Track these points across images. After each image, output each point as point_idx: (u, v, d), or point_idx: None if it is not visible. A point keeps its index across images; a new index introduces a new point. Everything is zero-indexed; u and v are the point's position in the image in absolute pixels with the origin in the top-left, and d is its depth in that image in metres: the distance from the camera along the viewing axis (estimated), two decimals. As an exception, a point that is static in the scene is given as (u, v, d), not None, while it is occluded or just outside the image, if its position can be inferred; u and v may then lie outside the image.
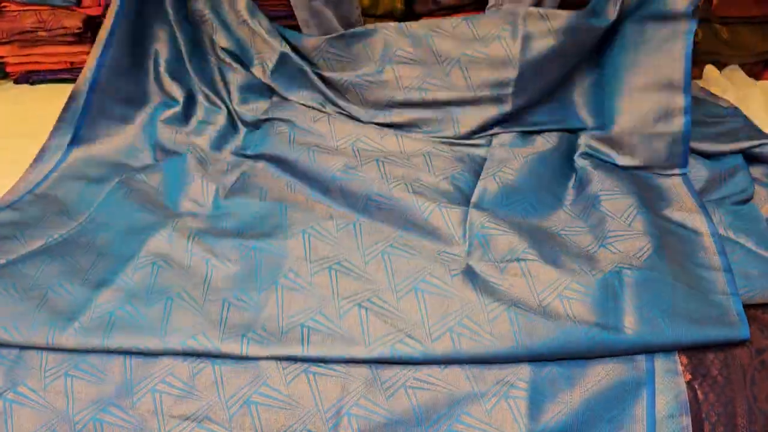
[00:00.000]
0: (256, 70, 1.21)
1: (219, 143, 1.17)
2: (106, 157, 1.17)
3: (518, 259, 0.87)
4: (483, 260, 0.89)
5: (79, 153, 1.17)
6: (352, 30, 1.16)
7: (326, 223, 0.95)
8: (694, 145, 1.10)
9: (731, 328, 0.80)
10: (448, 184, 1.02)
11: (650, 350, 0.79)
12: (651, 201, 1.01)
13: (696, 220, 0.96)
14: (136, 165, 1.15)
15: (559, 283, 0.83)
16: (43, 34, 1.45)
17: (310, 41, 1.17)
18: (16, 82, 1.55)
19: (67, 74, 1.53)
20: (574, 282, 0.83)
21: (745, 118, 1.20)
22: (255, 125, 1.20)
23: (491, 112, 1.10)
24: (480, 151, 1.10)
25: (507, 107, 1.10)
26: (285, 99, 1.19)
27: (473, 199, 0.98)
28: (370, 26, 1.15)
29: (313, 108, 1.16)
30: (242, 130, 1.20)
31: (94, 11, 1.44)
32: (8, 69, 1.53)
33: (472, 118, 1.11)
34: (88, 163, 1.15)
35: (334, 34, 1.16)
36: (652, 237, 0.91)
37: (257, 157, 1.12)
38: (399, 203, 0.98)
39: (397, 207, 0.98)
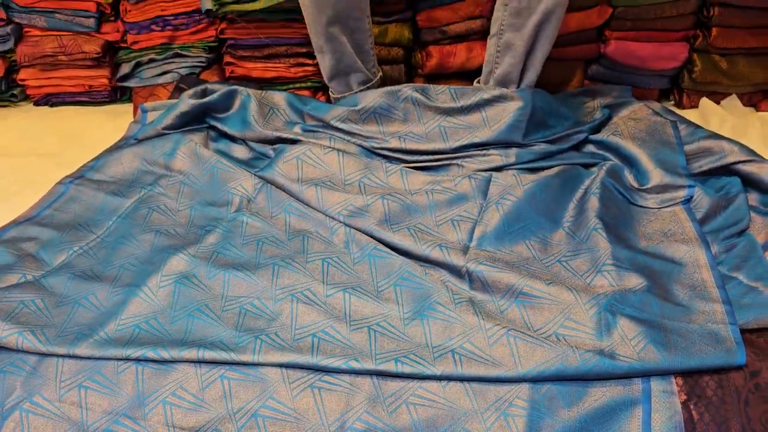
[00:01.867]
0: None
1: (241, 158, 1.24)
2: (125, 170, 1.22)
3: (516, 299, 0.91)
4: (484, 296, 0.93)
5: (96, 173, 1.22)
6: (372, 109, 1.22)
7: (344, 256, 1.01)
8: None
9: (728, 354, 0.82)
10: (449, 227, 1.05)
11: (647, 375, 0.81)
12: (652, 232, 1.05)
13: (696, 252, 0.99)
14: (156, 172, 1.21)
15: (556, 320, 0.87)
16: (63, 58, 1.50)
17: (331, 113, 1.24)
18: (36, 104, 1.60)
19: (86, 97, 1.58)
20: (571, 318, 0.87)
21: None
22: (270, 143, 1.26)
23: (496, 161, 1.16)
24: (483, 176, 1.13)
25: (511, 159, 1.16)
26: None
27: (472, 243, 1.01)
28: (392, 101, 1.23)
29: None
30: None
31: (113, 37, 1.50)
32: (29, 91, 1.59)
33: (477, 165, 1.17)
34: (108, 175, 1.21)
35: (354, 109, 1.23)
36: (649, 269, 0.95)
37: (271, 181, 1.16)
38: (403, 246, 1.01)
39: (402, 248, 1.01)
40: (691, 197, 1.10)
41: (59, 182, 1.20)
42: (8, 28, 1.49)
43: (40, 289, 0.95)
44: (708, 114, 1.41)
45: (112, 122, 1.49)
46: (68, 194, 1.17)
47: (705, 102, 1.44)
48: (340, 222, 1.06)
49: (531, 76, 1.22)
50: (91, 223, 1.10)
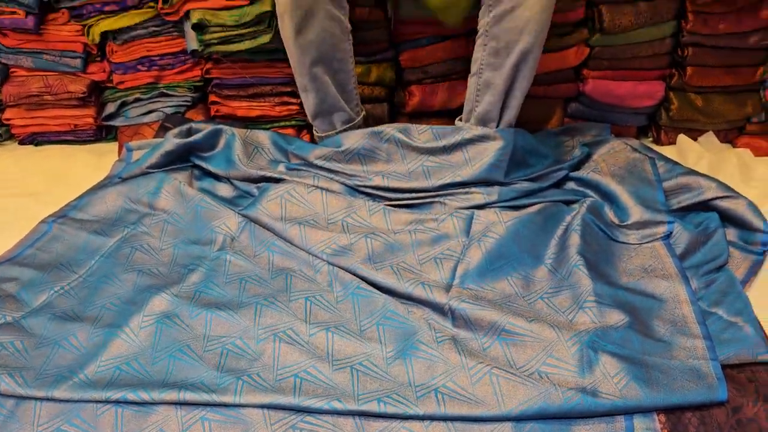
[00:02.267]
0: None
1: (225, 196, 1.25)
2: (109, 209, 1.23)
3: (499, 336, 0.91)
4: (467, 334, 0.93)
5: (79, 212, 1.22)
6: (356, 150, 1.24)
7: (327, 294, 1.01)
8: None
9: (710, 390, 0.83)
10: (432, 265, 1.06)
11: (629, 412, 0.81)
12: (632, 268, 1.06)
13: (676, 288, 1.01)
14: (140, 211, 1.21)
15: (539, 358, 0.87)
16: (49, 98, 1.51)
17: (314, 153, 1.26)
18: (21, 142, 1.61)
19: (71, 136, 1.59)
20: (553, 355, 0.87)
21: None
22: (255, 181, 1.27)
23: (478, 199, 1.18)
24: (466, 214, 1.14)
25: (493, 197, 1.17)
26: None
27: (455, 281, 1.02)
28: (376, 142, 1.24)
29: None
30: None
31: (99, 76, 1.51)
32: (14, 131, 1.59)
33: (459, 203, 1.18)
34: (92, 214, 1.22)
35: (338, 150, 1.24)
36: (630, 305, 0.96)
37: (254, 219, 1.16)
38: (387, 284, 1.01)
39: (385, 286, 1.02)
40: (671, 233, 1.12)
41: (42, 221, 1.20)
42: (-6, 69, 1.51)
43: (19, 330, 0.94)
44: (685, 150, 1.44)
45: (96, 161, 1.50)
46: (51, 233, 1.17)
47: (682, 138, 1.47)
48: (324, 260, 1.07)
49: (511, 113, 1.24)
50: (73, 262, 1.10)
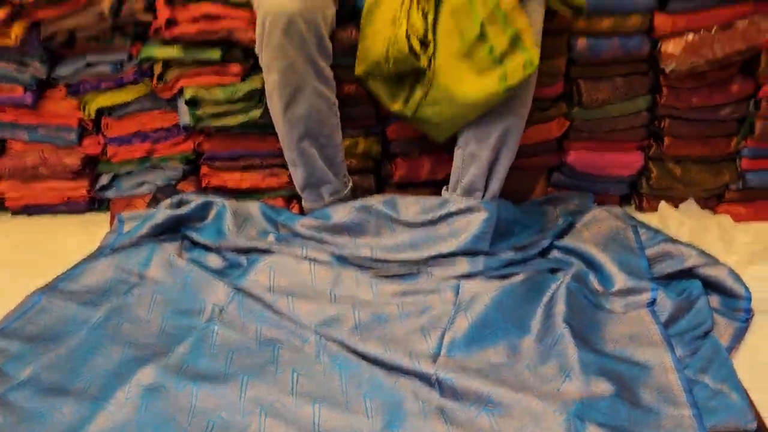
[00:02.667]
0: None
1: (214, 267, 1.26)
2: (99, 280, 1.23)
3: (486, 407, 0.91)
4: (454, 404, 0.93)
5: (69, 284, 1.22)
6: (344, 225, 1.27)
7: (314, 365, 1.01)
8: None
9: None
10: (419, 336, 1.07)
11: None
12: (618, 335, 1.07)
13: (662, 355, 1.02)
14: (130, 281, 1.21)
15: (526, 428, 0.88)
16: (44, 170, 1.53)
17: (303, 224, 1.29)
18: (14, 214, 1.62)
19: (64, 207, 1.60)
20: (540, 425, 0.87)
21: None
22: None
23: (464, 269, 1.20)
24: (452, 284, 1.16)
25: (479, 267, 1.19)
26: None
27: (442, 351, 1.03)
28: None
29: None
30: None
31: (94, 150, 1.54)
32: (7, 203, 1.60)
33: (445, 273, 1.20)
34: (81, 285, 1.22)
35: (327, 223, 1.27)
36: (616, 373, 0.96)
37: (243, 290, 1.17)
38: (374, 355, 1.02)
39: (372, 357, 1.02)
40: (655, 300, 1.14)
41: (32, 293, 1.19)
42: (-10, 142, 1.54)
43: (3, 404, 0.92)
44: (667, 218, 1.47)
45: (88, 232, 1.51)
46: (40, 305, 1.16)
47: (663, 206, 1.51)
48: (312, 331, 1.07)
49: (496, 184, 1.28)
50: (61, 334, 1.10)
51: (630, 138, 1.49)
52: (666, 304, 1.13)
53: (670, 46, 1.32)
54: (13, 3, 1.28)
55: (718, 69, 1.35)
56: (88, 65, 1.42)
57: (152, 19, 1.35)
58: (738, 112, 1.42)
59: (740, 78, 1.39)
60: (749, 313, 1.11)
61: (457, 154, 1.29)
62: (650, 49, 1.37)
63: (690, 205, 1.52)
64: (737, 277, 1.15)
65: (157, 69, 1.39)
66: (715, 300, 1.15)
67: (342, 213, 1.26)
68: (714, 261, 1.19)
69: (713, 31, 1.31)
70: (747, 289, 1.13)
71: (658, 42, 1.35)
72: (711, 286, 1.17)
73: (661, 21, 1.32)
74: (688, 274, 1.19)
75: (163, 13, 1.29)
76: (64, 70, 1.42)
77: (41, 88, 1.47)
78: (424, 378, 0.97)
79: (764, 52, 1.34)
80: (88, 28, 1.35)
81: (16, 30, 1.32)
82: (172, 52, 1.35)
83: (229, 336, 1.07)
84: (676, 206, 1.52)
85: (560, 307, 1.08)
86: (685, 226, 1.41)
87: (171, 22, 1.29)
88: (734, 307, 1.12)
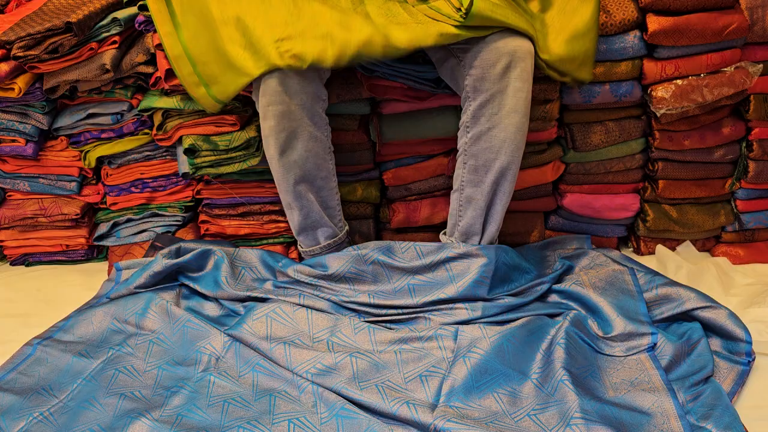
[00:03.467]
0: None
1: (211, 316, 1.26)
2: (95, 330, 1.22)
3: None
4: None
5: (65, 334, 1.22)
6: (341, 275, 1.27)
7: (311, 416, 1.00)
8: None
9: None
10: (417, 383, 1.06)
11: None
12: (618, 381, 1.06)
13: (663, 401, 1.00)
14: (126, 331, 1.21)
15: None
16: (43, 220, 1.54)
17: (301, 271, 1.29)
18: (13, 263, 1.62)
19: (62, 255, 1.60)
20: None
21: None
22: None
23: (462, 314, 1.19)
24: (451, 330, 1.15)
25: (477, 313, 1.19)
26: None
27: (441, 398, 1.02)
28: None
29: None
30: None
31: (93, 198, 1.55)
32: (6, 252, 1.61)
33: (443, 319, 1.20)
34: (77, 336, 1.21)
35: (324, 273, 1.27)
36: (617, 421, 0.95)
37: (240, 339, 1.17)
38: (371, 404, 1.01)
39: (370, 406, 1.01)
40: (655, 344, 1.13)
41: (27, 343, 1.19)
42: (-9, 193, 1.55)
43: None
44: (665, 260, 1.47)
45: (86, 281, 1.51)
46: (35, 356, 1.16)
47: (661, 249, 1.51)
48: (309, 380, 1.06)
49: (493, 227, 1.28)
50: (55, 386, 1.08)
51: (625, 180, 1.50)
52: (666, 348, 1.12)
53: (660, 91, 1.34)
54: (17, 56, 1.31)
55: (708, 112, 1.38)
56: (89, 116, 1.44)
57: (153, 70, 1.38)
58: (731, 154, 1.44)
59: (731, 121, 1.42)
60: (751, 356, 1.10)
61: (454, 197, 1.30)
62: (642, 94, 1.39)
63: (687, 248, 1.52)
64: (737, 320, 1.14)
65: (157, 119, 1.41)
66: (715, 343, 1.14)
67: (339, 263, 1.26)
68: (713, 303, 1.18)
69: (702, 75, 1.33)
70: (747, 332, 1.12)
71: (649, 87, 1.37)
72: (711, 328, 1.16)
73: (650, 68, 1.35)
74: (688, 316, 1.19)
75: (163, 64, 1.32)
76: (65, 121, 1.45)
77: (42, 138, 1.49)
78: (422, 428, 0.95)
79: (752, 96, 1.37)
80: (91, 80, 1.38)
81: (20, 83, 1.35)
82: (172, 102, 1.37)
83: (225, 386, 1.06)
84: (674, 249, 1.52)
85: (560, 353, 1.08)
86: (684, 268, 1.41)
87: (170, 74, 1.31)
88: (735, 350, 1.11)
